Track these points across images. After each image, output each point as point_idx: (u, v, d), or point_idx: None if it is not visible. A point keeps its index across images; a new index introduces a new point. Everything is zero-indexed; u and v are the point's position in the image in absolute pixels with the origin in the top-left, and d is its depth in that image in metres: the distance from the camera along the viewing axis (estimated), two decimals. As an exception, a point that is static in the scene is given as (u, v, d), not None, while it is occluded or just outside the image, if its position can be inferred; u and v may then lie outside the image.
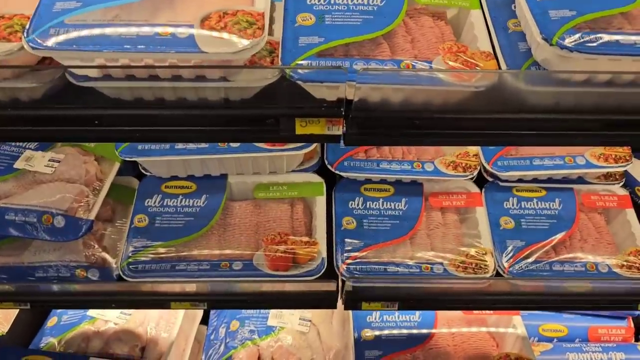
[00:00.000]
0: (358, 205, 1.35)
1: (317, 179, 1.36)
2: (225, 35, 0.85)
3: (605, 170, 1.37)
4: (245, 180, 1.36)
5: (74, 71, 0.89)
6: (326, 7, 1.01)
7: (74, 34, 0.85)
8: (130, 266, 1.21)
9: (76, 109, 0.95)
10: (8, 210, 1.23)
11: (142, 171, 1.37)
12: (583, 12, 0.89)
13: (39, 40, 0.83)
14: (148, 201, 1.32)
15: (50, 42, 0.83)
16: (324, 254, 1.23)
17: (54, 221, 1.21)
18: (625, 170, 1.44)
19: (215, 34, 0.85)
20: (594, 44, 0.85)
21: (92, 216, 1.24)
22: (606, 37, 0.86)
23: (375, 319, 1.54)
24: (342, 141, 1.00)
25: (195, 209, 1.31)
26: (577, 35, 0.86)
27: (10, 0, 0.93)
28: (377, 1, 1.02)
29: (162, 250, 1.23)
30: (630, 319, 1.72)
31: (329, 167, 1.33)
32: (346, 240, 1.28)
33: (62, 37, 0.84)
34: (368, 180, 1.38)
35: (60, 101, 0.95)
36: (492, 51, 0.99)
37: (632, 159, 1.36)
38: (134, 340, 1.49)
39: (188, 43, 0.84)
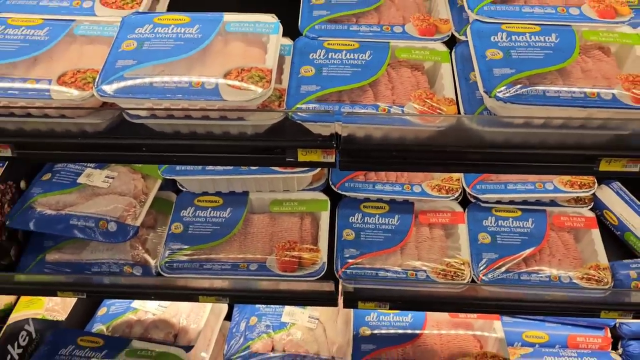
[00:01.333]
0: (357, 220, 1.60)
1: (322, 197, 1.62)
2: (242, 85, 1.12)
3: (571, 195, 1.58)
4: (263, 196, 1.63)
5: (129, 112, 1.18)
6: (324, 61, 1.27)
7: (130, 85, 1.14)
8: (167, 264, 1.50)
9: (130, 139, 1.24)
10: (72, 216, 1.53)
11: (180, 187, 1.66)
12: (521, 69, 1.14)
13: (105, 90, 1.13)
14: (183, 212, 1.60)
15: (113, 91, 1.13)
16: (325, 259, 1.49)
17: (108, 226, 1.51)
18: (595, 195, 1.65)
19: (235, 84, 1.12)
20: (525, 97, 1.09)
21: (138, 223, 1.53)
22: (536, 91, 1.10)
23: (372, 319, 1.78)
24: (337, 166, 1.26)
25: (221, 219, 1.58)
26: (513, 89, 1.10)
27: (83, 57, 1.23)
28: (364, 56, 1.29)
29: (193, 252, 1.51)
30: (608, 330, 1.90)
31: (332, 187, 1.59)
32: (345, 249, 1.53)
33: (121, 87, 1.13)
34: (367, 199, 1.63)
35: (118, 133, 1.24)
36: (454, 98, 1.23)
37: (596, 186, 1.57)
38: (169, 328, 1.77)
39: (214, 92, 1.12)
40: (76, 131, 1.25)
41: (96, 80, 1.14)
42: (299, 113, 1.17)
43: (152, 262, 1.54)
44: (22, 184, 1.67)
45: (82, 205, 1.56)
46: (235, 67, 1.16)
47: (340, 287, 1.49)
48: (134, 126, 1.22)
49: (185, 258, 1.50)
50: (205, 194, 1.64)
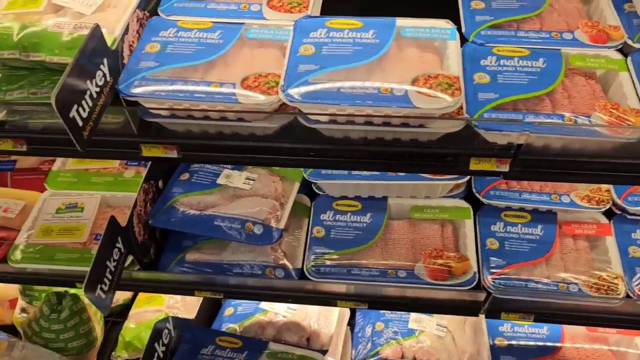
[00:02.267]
0: (500, 228, 1.56)
1: (464, 204, 1.59)
2: (432, 93, 1.10)
3: None
4: (403, 202, 1.61)
5: (309, 117, 1.17)
6: (497, 68, 1.24)
7: (316, 90, 1.12)
8: (314, 268, 1.49)
9: (301, 144, 1.24)
10: (217, 217, 1.54)
11: (315, 190, 1.65)
12: None
13: (292, 94, 1.12)
14: (323, 216, 1.60)
15: (300, 96, 1.12)
16: (475, 269, 1.46)
17: (254, 229, 1.51)
18: None
19: (425, 91, 1.11)
20: None
21: (282, 226, 1.53)
22: None
23: (507, 329, 1.75)
24: (508, 176, 1.23)
25: (362, 224, 1.57)
26: None
27: (256, 61, 1.23)
28: (538, 63, 1.25)
29: (338, 257, 1.50)
30: None
31: (476, 195, 1.56)
32: (490, 258, 1.50)
33: (308, 92, 1.12)
34: (507, 208, 1.60)
35: (289, 137, 1.23)
36: (640, 108, 1.19)
37: None
38: (301, 331, 1.77)
39: (404, 99, 1.10)
40: (245, 134, 1.26)
41: (281, 84, 1.14)
42: (483, 121, 1.15)
43: (293, 264, 1.54)
44: (160, 184, 1.69)
45: (225, 206, 1.57)
46: (421, 73, 1.14)
47: (488, 297, 1.46)
48: (302, 130, 1.21)
49: (331, 262, 1.50)
50: (343, 198, 1.63)
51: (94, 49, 1.07)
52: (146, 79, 1.18)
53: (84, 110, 1.05)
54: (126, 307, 2.16)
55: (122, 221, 1.60)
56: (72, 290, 2.04)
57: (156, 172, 1.66)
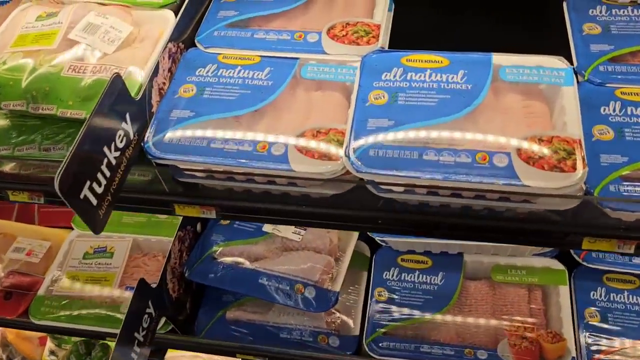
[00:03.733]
0: (601, 296, 1.29)
1: (558, 265, 1.32)
2: (546, 164, 0.84)
3: None
4: (482, 259, 1.35)
5: (383, 187, 0.92)
6: (624, 119, 0.96)
7: (394, 157, 0.87)
8: (375, 343, 1.26)
9: (368, 212, 0.99)
10: (262, 274, 1.32)
11: (378, 242, 1.41)
12: None
13: (358, 164, 0.87)
14: (386, 274, 1.36)
15: (371, 165, 0.87)
16: (574, 353, 1.20)
17: (305, 291, 1.29)
18: None
19: (537, 157, 0.84)
20: None
21: (338, 287, 1.30)
22: None
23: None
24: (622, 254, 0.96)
25: (433, 286, 1.32)
26: None
27: (314, 109, 0.99)
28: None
29: (403, 328, 1.26)
30: None
31: (574, 256, 1.29)
32: (589, 334, 1.23)
33: (382, 159, 0.87)
34: (610, 270, 1.32)
35: (350, 204, 0.99)
36: None
37: None
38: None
39: (507, 173, 0.84)
40: (297, 196, 1.02)
41: (345, 146, 0.89)
42: (609, 200, 0.88)
43: (350, 331, 1.31)
44: (198, 226, 1.48)
45: (271, 260, 1.35)
46: (530, 134, 0.87)
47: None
48: (368, 195, 0.97)
49: (394, 335, 1.26)
50: (410, 252, 1.38)
51: (112, 105, 0.85)
52: (178, 134, 0.95)
53: (100, 185, 0.83)
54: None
55: (155, 271, 1.41)
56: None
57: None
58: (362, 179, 0.89)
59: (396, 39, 1.13)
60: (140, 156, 0.95)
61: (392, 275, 1.35)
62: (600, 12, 1.13)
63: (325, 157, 0.90)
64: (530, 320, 1.27)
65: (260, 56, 1.05)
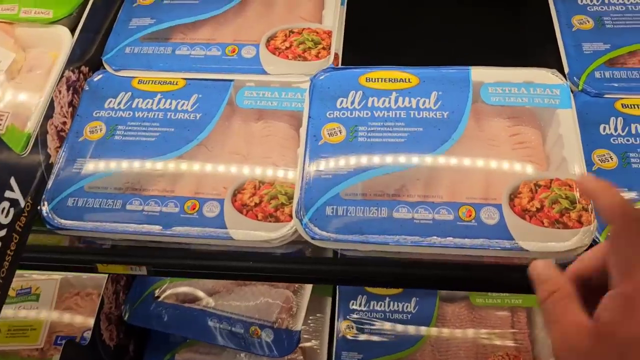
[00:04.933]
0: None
1: (543, 283, 1.18)
2: (545, 219, 0.67)
3: None
4: (459, 280, 1.21)
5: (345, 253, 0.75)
6: (627, 140, 0.80)
7: (335, 216, 0.70)
8: (346, 389, 1.11)
9: (318, 264, 0.82)
10: (212, 315, 1.15)
11: (342, 263, 1.25)
12: None
13: (315, 230, 0.69)
14: (352, 303, 1.20)
15: (332, 230, 0.69)
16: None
17: (262, 334, 1.12)
18: None
19: (531, 214, 0.68)
20: None
21: (299, 326, 1.14)
22: None
23: None
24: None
25: (405, 315, 1.18)
26: None
27: (254, 148, 0.79)
28: (691, 130, 0.81)
29: (378, 369, 1.12)
30: None
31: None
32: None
33: (342, 225, 0.70)
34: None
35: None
36: None
37: None
38: None
39: (500, 232, 0.67)
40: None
41: (297, 205, 0.71)
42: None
43: (316, 373, 1.16)
44: (136, 258, 1.28)
45: (221, 296, 1.17)
46: (525, 178, 0.70)
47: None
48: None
49: (368, 379, 1.12)
50: (379, 276, 1.22)
51: (-15, 176, 0.64)
52: (85, 195, 0.75)
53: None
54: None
55: (90, 313, 1.22)
56: None
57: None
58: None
59: (353, 42, 0.94)
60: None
61: (360, 305, 1.19)
62: (591, 0, 0.95)
63: (272, 218, 0.71)
64: (513, 345, 1.14)
65: (185, 79, 0.84)
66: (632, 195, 0.75)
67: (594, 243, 0.70)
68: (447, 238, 0.67)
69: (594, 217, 0.67)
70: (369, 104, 0.77)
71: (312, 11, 0.91)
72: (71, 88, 0.82)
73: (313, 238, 0.69)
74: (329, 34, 0.86)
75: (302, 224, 0.69)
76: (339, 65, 0.88)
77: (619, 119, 0.81)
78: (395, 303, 1.19)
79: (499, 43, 0.96)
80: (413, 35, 1.01)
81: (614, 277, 0.44)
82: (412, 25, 1.02)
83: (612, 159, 0.78)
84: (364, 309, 1.19)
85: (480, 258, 0.71)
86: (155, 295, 1.21)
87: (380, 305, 1.19)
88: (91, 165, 0.77)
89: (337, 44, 0.88)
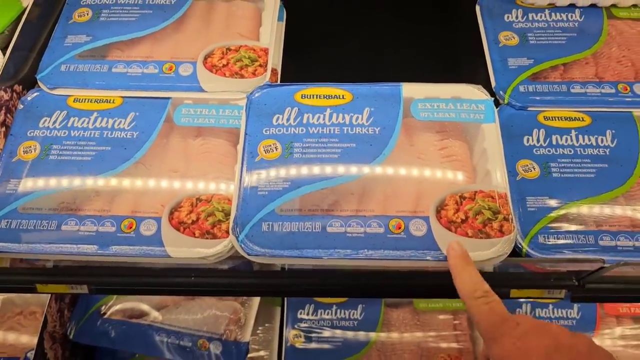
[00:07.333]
0: (526, 313, 1.22)
1: (482, 286, 1.23)
2: (470, 230, 0.71)
3: None
4: (403, 286, 1.24)
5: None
6: (549, 151, 0.85)
7: (281, 232, 0.72)
8: (294, 398, 1.13)
9: (258, 277, 0.84)
10: (160, 330, 1.15)
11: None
12: None
13: (252, 246, 0.71)
14: (300, 313, 1.22)
15: (266, 246, 0.71)
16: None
17: (210, 347, 1.13)
18: None
19: (457, 225, 0.71)
20: None
21: (247, 337, 1.15)
22: None
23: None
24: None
25: (352, 322, 1.20)
26: None
27: (192, 164, 0.80)
28: (609, 142, 0.86)
29: (326, 378, 1.14)
30: None
31: (499, 277, 1.20)
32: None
33: (279, 240, 0.72)
34: (535, 282, 1.25)
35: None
36: None
37: None
38: None
39: (427, 243, 0.70)
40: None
41: (234, 222, 0.72)
42: (539, 262, 0.77)
43: (266, 384, 1.18)
44: (81, 274, 1.27)
45: (168, 310, 1.17)
46: (450, 192, 0.74)
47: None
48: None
49: (317, 387, 1.14)
50: (326, 285, 1.25)
51: None
52: (17, 215, 0.74)
53: None
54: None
55: (35, 332, 1.20)
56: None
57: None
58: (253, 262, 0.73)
59: (292, 57, 0.96)
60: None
61: (308, 314, 1.21)
62: (517, 17, 1.00)
63: (209, 235, 0.73)
64: (456, 346, 1.19)
65: (122, 97, 0.85)
66: (552, 202, 0.80)
67: (515, 250, 0.75)
68: (378, 251, 0.70)
69: (514, 226, 0.71)
70: (304, 121, 0.79)
71: (250, 28, 0.93)
72: (4, 107, 0.81)
73: (249, 254, 0.71)
74: (266, 51, 0.88)
75: (238, 240, 0.71)
76: (278, 81, 0.90)
77: (541, 130, 0.86)
78: (342, 310, 1.21)
79: (432, 58, 1.00)
80: (351, 50, 1.04)
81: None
82: (351, 40, 1.05)
83: (534, 168, 0.83)
84: (312, 317, 1.21)
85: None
86: (102, 312, 1.20)
87: (328, 313, 1.21)
88: (25, 186, 0.76)
89: (275, 59, 0.90)
